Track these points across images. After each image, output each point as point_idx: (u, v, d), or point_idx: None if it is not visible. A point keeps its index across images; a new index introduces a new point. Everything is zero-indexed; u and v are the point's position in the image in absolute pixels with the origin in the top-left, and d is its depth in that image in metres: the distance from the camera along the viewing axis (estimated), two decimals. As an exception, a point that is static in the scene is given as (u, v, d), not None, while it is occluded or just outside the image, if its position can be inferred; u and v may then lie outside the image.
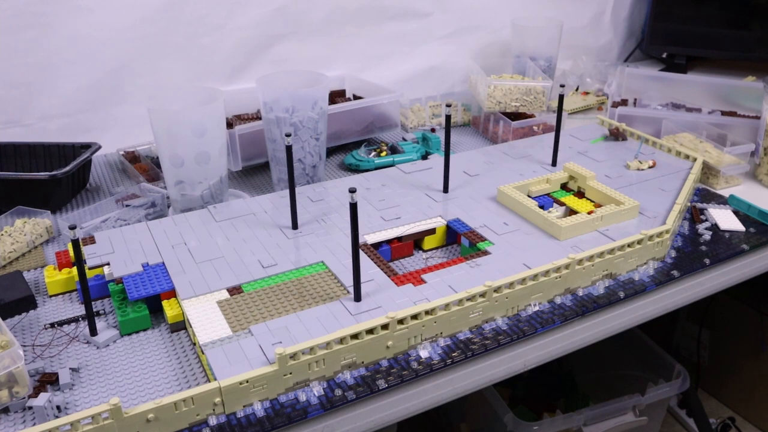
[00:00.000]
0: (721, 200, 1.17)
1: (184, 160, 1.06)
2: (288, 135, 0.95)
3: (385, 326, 0.78)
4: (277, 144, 1.15)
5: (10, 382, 0.74)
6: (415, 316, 0.80)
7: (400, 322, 0.79)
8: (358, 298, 0.85)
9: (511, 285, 0.86)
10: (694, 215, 1.12)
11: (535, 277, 0.87)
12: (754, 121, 1.36)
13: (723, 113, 1.48)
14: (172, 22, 1.40)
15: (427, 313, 0.80)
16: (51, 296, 0.94)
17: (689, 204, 1.15)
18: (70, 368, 0.80)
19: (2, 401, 0.74)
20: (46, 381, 0.78)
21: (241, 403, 0.73)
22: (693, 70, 1.91)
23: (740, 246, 1.04)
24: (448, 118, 1.07)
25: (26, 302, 0.91)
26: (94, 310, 0.89)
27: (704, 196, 1.19)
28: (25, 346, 0.84)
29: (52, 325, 0.88)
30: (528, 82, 1.39)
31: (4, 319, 0.88)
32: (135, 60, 1.39)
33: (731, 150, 1.23)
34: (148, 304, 0.88)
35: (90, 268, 0.93)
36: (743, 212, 1.13)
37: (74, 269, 0.95)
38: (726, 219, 1.10)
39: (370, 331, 0.78)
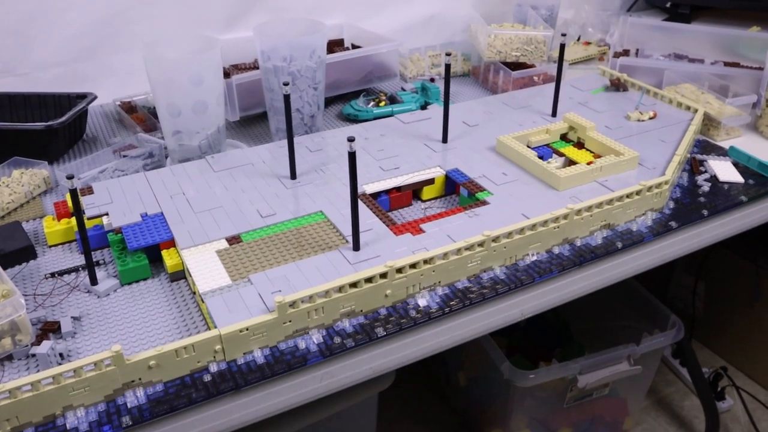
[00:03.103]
0: (721, 152, 1.17)
1: (181, 109, 1.05)
2: (286, 84, 0.94)
3: (383, 275, 0.78)
4: (274, 94, 1.13)
5: (12, 330, 0.75)
6: (413, 265, 0.80)
7: (399, 271, 0.79)
8: (356, 247, 0.85)
9: (509, 235, 0.86)
10: (693, 166, 1.12)
11: (533, 227, 0.87)
12: (757, 72, 1.35)
13: (726, 64, 1.46)
14: (167, -32, 1.37)
15: (425, 262, 0.81)
16: (50, 246, 0.95)
17: (689, 155, 1.14)
18: (71, 317, 0.80)
19: (6, 349, 0.74)
20: (48, 329, 0.78)
21: (241, 350, 0.74)
22: (697, 19, 1.88)
23: (739, 197, 1.04)
24: (447, 67, 1.05)
25: (26, 252, 0.92)
26: (94, 259, 0.89)
27: (704, 147, 1.19)
28: (26, 295, 0.84)
29: (53, 275, 0.89)
30: (529, 32, 1.37)
31: (4, 269, 0.88)
32: (130, 7, 1.37)
33: (733, 101, 1.22)
34: (148, 254, 0.88)
35: (89, 219, 0.93)
36: (743, 164, 1.12)
37: (73, 219, 0.95)
38: (725, 170, 1.10)
39: (368, 280, 0.78)
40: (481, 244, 0.84)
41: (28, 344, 0.76)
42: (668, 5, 1.89)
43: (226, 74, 1.34)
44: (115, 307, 0.83)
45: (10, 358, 0.75)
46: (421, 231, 0.89)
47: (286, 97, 0.94)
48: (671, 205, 1.01)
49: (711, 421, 1.60)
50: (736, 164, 1.12)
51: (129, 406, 0.69)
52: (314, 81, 1.13)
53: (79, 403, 0.68)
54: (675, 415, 1.72)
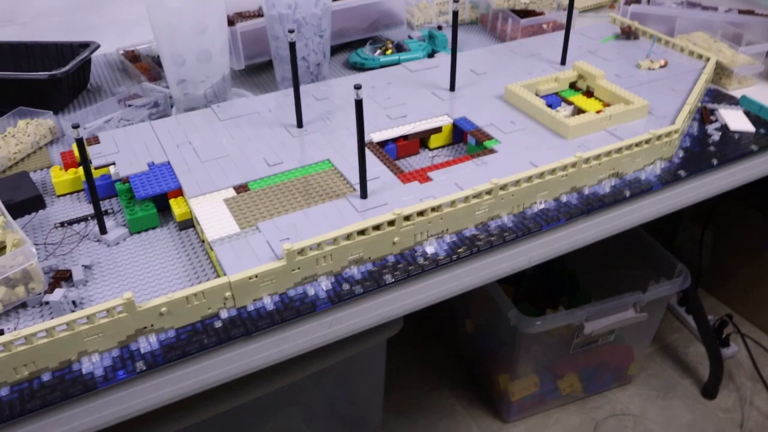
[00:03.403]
0: (732, 101, 1.15)
1: (185, 58, 1.04)
2: (291, 31, 0.92)
3: (391, 223, 0.79)
4: (280, 42, 1.12)
5: (25, 279, 0.75)
6: (421, 213, 0.80)
7: (407, 218, 0.80)
8: (364, 195, 0.85)
9: (517, 183, 0.86)
10: (704, 116, 1.10)
11: (541, 175, 0.87)
12: (771, 18, 1.32)
13: (740, 12, 1.43)
14: None
15: (433, 210, 0.81)
16: (59, 196, 0.95)
17: (700, 104, 1.13)
18: (82, 265, 0.81)
19: (19, 297, 0.75)
20: (60, 277, 0.79)
21: (251, 297, 0.74)
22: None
23: (749, 147, 1.03)
24: (455, 14, 1.04)
25: (34, 202, 0.92)
26: (103, 209, 0.90)
27: (716, 96, 1.17)
28: (37, 244, 0.85)
29: (62, 224, 0.89)
30: (538, -23, 1.34)
31: (14, 218, 0.89)
32: (131, -46, 1.34)
33: (746, 50, 1.20)
34: (156, 203, 0.89)
35: (96, 168, 0.94)
36: (754, 113, 1.11)
37: (80, 169, 0.94)
38: (736, 120, 1.09)
39: (376, 228, 0.78)
40: (488, 192, 0.84)
41: (41, 292, 0.77)
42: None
43: (230, 22, 1.32)
44: (125, 256, 0.83)
45: (24, 305, 0.76)
46: (428, 179, 0.89)
47: (292, 45, 0.93)
48: (680, 154, 1.01)
49: (715, 367, 1.62)
50: (747, 113, 1.11)
51: (142, 351, 0.70)
52: (320, 29, 1.11)
53: (94, 348, 0.69)
54: (679, 361, 1.74)
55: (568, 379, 1.58)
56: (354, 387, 1.38)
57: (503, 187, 0.85)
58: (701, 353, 1.66)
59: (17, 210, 0.91)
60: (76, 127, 0.78)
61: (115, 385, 0.68)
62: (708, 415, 1.60)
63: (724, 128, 1.07)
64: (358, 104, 0.78)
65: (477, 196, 0.83)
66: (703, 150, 1.02)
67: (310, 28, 1.10)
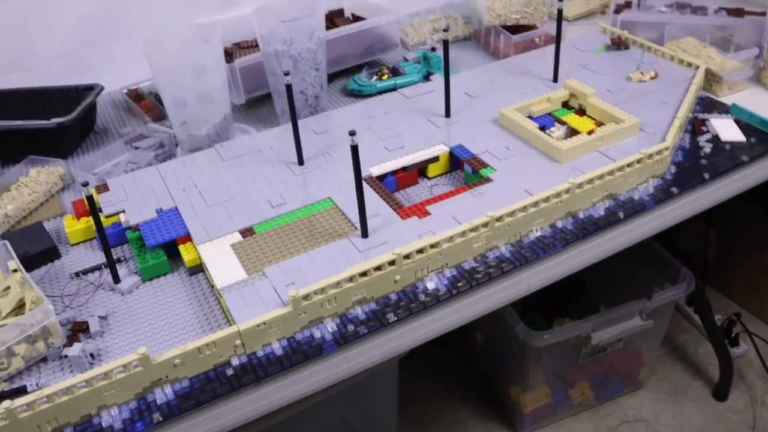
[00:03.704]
0: (723, 109, 1.17)
1: (186, 101, 1.07)
2: (287, 74, 0.95)
3: (392, 262, 0.82)
4: (277, 77, 1.15)
5: (44, 335, 0.79)
6: (420, 250, 0.83)
7: (407, 257, 0.82)
8: (365, 234, 0.88)
9: (512, 213, 0.88)
10: (695, 127, 1.12)
11: (536, 204, 0.89)
12: (760, 19, 1.33)
13: (729, 12, 1.44)
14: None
15: (432, 246, 0.84)
16: (72, 245, 0.98)
17: (691, 116, 1.15)
18: (98, 316, 0.84)
19: (40, 352, 0.79)
20: (78, 329, 0.83)
21: (260, 343, 0.78)
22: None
23: (740, 158, 1.05)
24: (445, 42, 1.06)
25: (50, 253, 0.96)
26: (115, 256, 0.94)
27: (707, 104, 1.19)
28: (54, 296, 0.89)
29: (77, 275, 0.93)
30: (527, -7, 1.36)
31: (30, 270, 0.93)
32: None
33: (734, 55, 1.22)
34: (166, 249, 0.92)
35: (106, 216, 0.97)
36: (745, 121, 1.13)
37: (92, 218, 0.98)
38: (727, 129, 1.11)
39: (378, 268, 0.81)
40: (485, 225, 0.86)
41: (60, 346, 0.80)
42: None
43: (229, 54, 1.35)
44: (139, 304, 0.87)
45: (44, 360, 0.80)
46: (427, 213, 0.91)
47: (288, 87, 0.96)
48: (673, 169, 1.03)
49: (725, 367, 1.64)
50: (738, 121, 1.13)
51: (158, 402, 0.74)
52: (315, 62, 1.14)
53: (112, 402, 0.73)
54: (690, 363, 1.75)
55: (580, 387, 1.61)
56: (369, 405, 1.41)
57: (499, 219, 0.87)
58: (711, 353, 1.68)
59: (34, 262, 0.94)
60: (85, 184, 0.81)
61: (134, 437, 0.72)
62: (719, 418, 1.62)
63: (715, 139, 1.09)
64: (354, 150, 0.81)
65: (474, 229, 0.86)
66: (695, 164, 1.04)
67: (306, 62, 1.13)
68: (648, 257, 1.62)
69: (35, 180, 1.08)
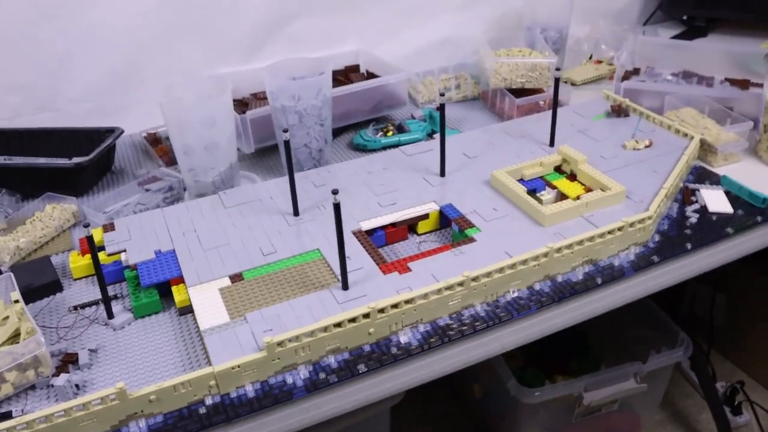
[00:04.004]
0: (715, 179, 1.19)
1: (194, 149, 1.13)
2: (285, 131, 1.01)
3: (366, 315, 0.85)
4: (283, 130, 1.21)
5: (35, 364, 0.84)
6: (395, 305, 0.87)
7: (381, 311, 0.86)
8: (345, 287, 0.92)
9: (489, 274, 0.91)
10: (685, 196, 1.14)
11: (513, 266, 0.93)
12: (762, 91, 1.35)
13: (736, 81, 1.47)
14: (186, 5, 1.45)
15: (406, 302, 0.87)
16: (75, 279, 1.04)
17: (682, 185, 1.17)
18: (88, 349, 0.89)
19: (29, 380, 0.84)
20: (68, 360, 0.88)
21: (234, 384, 0.82)
22: (714, 31, 1.87)
23: (725, 230, 1.06)
24: (441, 105, 1.11)
25: (53, 286, 1.01)
26: (114, 293, 1.00)
27: (700, 175, 1.21)
28: (50, 328, 0.94)
29: (75, 308, 0.98)
30: (533, 59, 1.41)
31: (33, 301, 0.99)
32: (152, 43, 1.46)
33: (730, 128, 1.24)
34: (160, 289, 0.97)
35: (109, 255, 1.03)
36: (734, 193, 1.15)
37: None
38: (716, 200, 1.13)
39: (352, 320, 0.85)
40: (461, 284, 0.90)
41: (49, 375, 0.85)
42: (685, 18, 1.89)
43: (245, 104, 1.43)
44: (128, 340, 0.92)
45: (33, 387, 0.85)
46: (408, 269, 0.95)
47: (287, 143, 1.02)
48: (656, 237, 1.05)
49: (724, 436, 1.62)
50: (728, 193, 1.15)
51: (132, 436, 0.78)
52: (320, 118, 1.20)
53: (89, 432, 0.77)
54: (691, 429, 1.74)
55: (574, 446, 1.60)
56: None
57: (475, 279, 0.90)
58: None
59: (37, 293, 1.00)
60: (86, 226, 0.87)
61: (106, 468, 0.76)
62: (716, 487, 1.59)
63: (703, 210, 1.11)
64: (336, 207, 0.86)
65: (449, 288, 0.89)
66: (679, 233, 1.06)
67: (311, 117, 1.19)
68: (649, 320, 1.62)
69: (49, 215, 1.15)
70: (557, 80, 1.18)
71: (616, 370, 1.44)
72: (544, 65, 1.40)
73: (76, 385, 0.84)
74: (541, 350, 1.82)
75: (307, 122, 1.19)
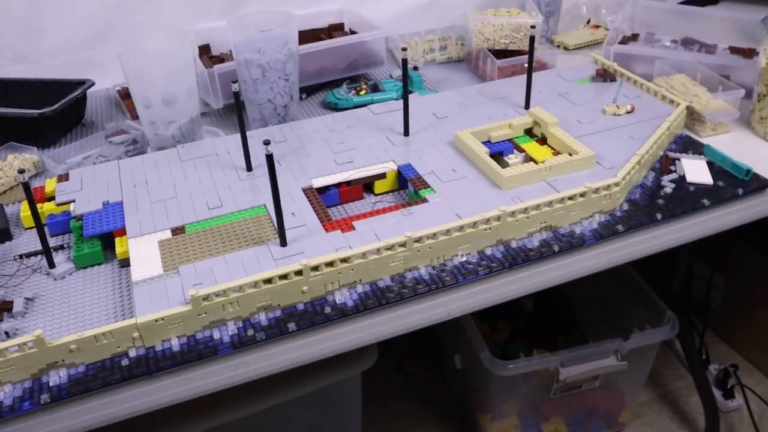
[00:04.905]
0: (700, 149, 1.13)
1: (153, 102, 1.10)
2: (234, 82, 0.97)
3: (298, 272, 0.82)
4: (248, 85, 1.17)
5: (-33, 310, 0.83)
6: (330, 263, 0.83)
7: (315, 269, 0.83)
8: (284, 243, 0.89)
9: (434, 236, 0.87)
10: (664, 165, 1.09)
11: (461, 228, 0.88)
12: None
13: (738, 50, 1.39)
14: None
15: (342, 261, 0.84)
16: (26, 229, 1.03)
17: (662, 153, 1.11)
18: (24, 297, 0.88)
19: (-42, 325, 0.83)
20: (3, 308, 0.86)
21: (160, 338, 0.79)
22: (727, -1, 1.78)
23: (701, 201, 1.00)
24: (404, 61, 1.07)
25: (2, 234, 1.00)
26: (61, 243, 0.98)
27: (685, 144, 1.15)
28: (-8, 275, 0.93)
29: (21, 257, 0.97)
30: (516, 18, 1.35)
31: (-20, 249, 0.98)
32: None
33: (720, 95, 1.17)
34: (104, 241, 0.95)
35: (58, 204, 1.01)
36: (718, 164, 1.08)
37: (46, 204, 1.02)
38: (696, 171, 1.06)
39: (284, 277, 0.82)
40: (402, 245, 0.86)
41: (-20, 322, 0.84)
42: (694, -18, 1.80)
43: (222, 60, 1.39)
44: (67, 290, 0.90)
45: (-37, 333, 0.84)
46: (352, 228, 0.91)
47: (236, 94, 0.98)
48: (625, 206, 0.99)
49: (710, 419, 1.56)
50: (711, 164, 1.08)
51: (51, 384, 0.76)
52: (284, 72, 1.16)
53: (7, 379, 0.76)
54: (679, 411, 1.68)
55: (554, 422, 1.56)
56: (334, 417, 1.41)
57: (418, 240, 0.87)
58: (704, 403, 1.61)
59: (-14, 241, 0.99)
60: (21, 172, 0.85)
61: (20, 415, 0.75)
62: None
63: (680, 180, 1.05)
64: (269, 159, 0.82)
65: (390, 248, 0.86)
66: (651, 203, 1.00)
67: (275, 72, 1.15)
68: (638, 297, 1.56)
69: (10, 165, 1.14)
70: (532, 38, 1.12)
71: (595, 347, 1.39)
72: (529, 25, 1.34)
73: (6, 333, 0.83)
74: (528, 324, 1.78)
75: (271, 76, 1.15)
